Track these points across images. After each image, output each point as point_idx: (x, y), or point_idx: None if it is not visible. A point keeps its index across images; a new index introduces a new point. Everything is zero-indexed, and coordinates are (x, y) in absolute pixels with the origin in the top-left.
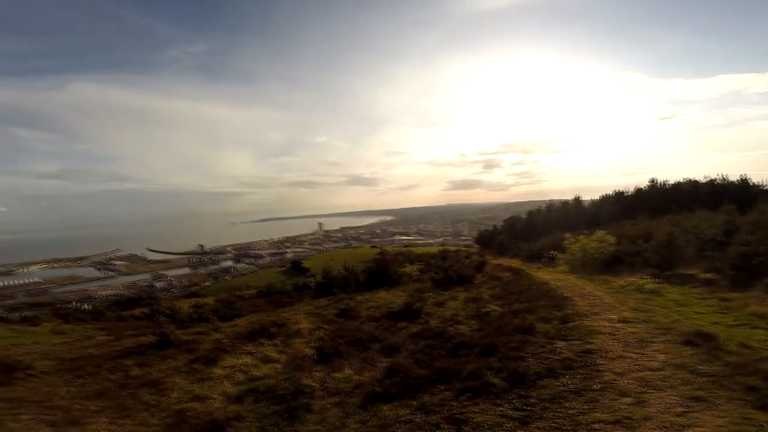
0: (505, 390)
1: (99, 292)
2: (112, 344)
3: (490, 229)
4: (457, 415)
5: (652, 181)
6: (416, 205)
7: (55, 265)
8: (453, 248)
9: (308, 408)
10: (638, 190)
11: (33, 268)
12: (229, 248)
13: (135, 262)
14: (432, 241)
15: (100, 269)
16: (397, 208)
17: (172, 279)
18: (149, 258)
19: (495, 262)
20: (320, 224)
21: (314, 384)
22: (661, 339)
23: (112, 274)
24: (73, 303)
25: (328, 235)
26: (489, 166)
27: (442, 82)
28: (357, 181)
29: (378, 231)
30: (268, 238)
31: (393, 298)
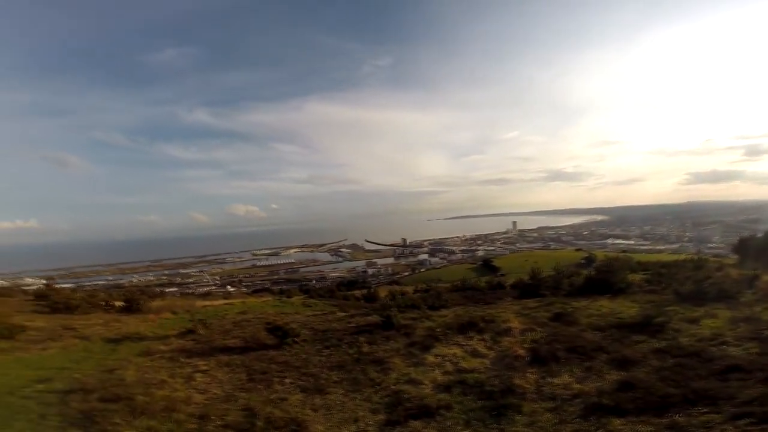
0: None
1: (330, 274)
2: (348, 320)
3: (758, 235)
4: None
5: None
6: (639, 203)
7: (304, 250)
8: (697, 258)
9: (518, 409)
10: None
11: (290, 251)
12: (425, 243)
13: (356, 250)
14: (662, 248)
15: (332, 255)
16: (611, 206)
17: (380, 267)
18: (366, 248)
19: None
20: (514, 223)
21: (527, 386)
22: None
23: (340, 259)
24: (313, 281)
25: (522, 234)
26: (753, 152)
27: (654, 58)
28: (557, 176)
29: (585, 232)
30: (460, 235)
31: (620, 307)
